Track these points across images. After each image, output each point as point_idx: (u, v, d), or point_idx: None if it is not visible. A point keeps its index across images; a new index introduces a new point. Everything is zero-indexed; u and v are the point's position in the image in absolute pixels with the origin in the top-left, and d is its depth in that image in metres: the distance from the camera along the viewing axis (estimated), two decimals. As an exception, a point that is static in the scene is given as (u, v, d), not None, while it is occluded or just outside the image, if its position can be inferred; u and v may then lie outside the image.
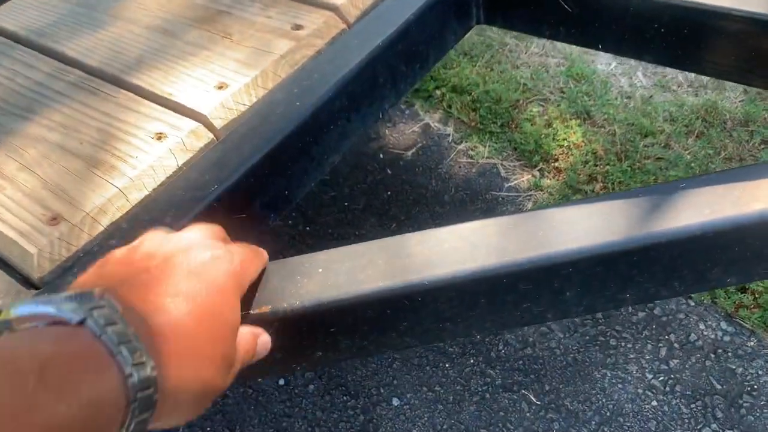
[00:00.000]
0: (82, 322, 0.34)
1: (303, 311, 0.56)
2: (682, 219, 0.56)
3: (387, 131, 1.97)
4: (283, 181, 0.75)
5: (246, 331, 0.50)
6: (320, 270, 0.58)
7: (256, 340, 0.51)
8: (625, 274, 0.59)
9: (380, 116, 0.87)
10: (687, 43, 0.81)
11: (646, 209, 0.58)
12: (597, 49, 0.89)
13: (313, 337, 0.60)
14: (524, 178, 1.76)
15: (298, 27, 0.85)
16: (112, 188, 0.68)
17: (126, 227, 0.68)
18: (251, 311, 0.56)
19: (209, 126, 0.74)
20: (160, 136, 0.73)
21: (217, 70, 0.80)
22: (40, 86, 0.82)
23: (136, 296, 0.39)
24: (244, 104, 0.77)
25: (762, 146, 1.76)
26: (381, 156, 1.90)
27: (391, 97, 0.88)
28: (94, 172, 0.70)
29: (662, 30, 0.81)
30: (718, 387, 1.30)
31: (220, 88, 0.77)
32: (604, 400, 1.30)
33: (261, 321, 0.56)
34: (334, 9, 0.87)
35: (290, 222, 1.75)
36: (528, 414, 1.30)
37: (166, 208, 0.67)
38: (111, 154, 0.72)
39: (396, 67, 0.86)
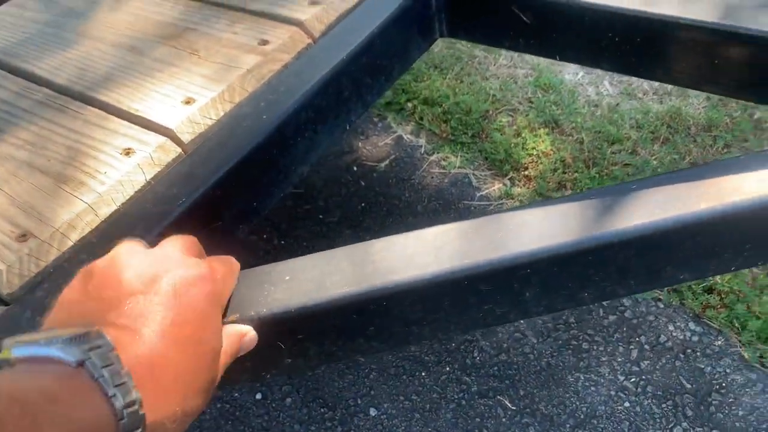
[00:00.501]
0: (81, 364, 0.36)
1: (271, 319, 0.57)
2: (633, 219, 0.58)
3: (360, 144, 1.99)
4: (252, 193, 0.76)
5: (231, 333, 0.52)
6: (287, 278, 0.59)
7: (240, 341, 0.53)
8: (581, 273, 0.61)
9: (347, 128, 0.89)
10: (641, 52, 0.84)
11: (600, 210, 0.60)
12: (555, 58, 0.92)
13: (285, 345, 0.61)
14: (495, 187, 1.79)
15: (264, 42, 0.86)
16: (81, 204, 0.68)
17: (95, 242, 0.68)
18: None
19: (177, 140, 0.75)
20: (128, 152, 0.74)
21: (184, 85, 0.82)
22: (7, 105, 0.83)
23: (127, 326, 0.41)
24: (211, 119, 0.78)
25: (725, 150, 1.81)
26: (355, 168, 1.92)
27: (357, 108, 0.90)
28: (63, 188, 0.70)
29: (617, 39, 0.84)
30: (688, 386, 1.33)
31: (187, 103, 0.79)
32: (577, 403, 1.32)
33: (229, 329, 0.57)
34: (299, 24, 0.89)
35: (265, 236, 1.75)
36: (504, 419, 1.32)
37: (135, 222, 0.68)
38: (79, 170, 0.72)
39: (361, 80, 0.88)
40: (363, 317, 0.60)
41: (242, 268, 0.62)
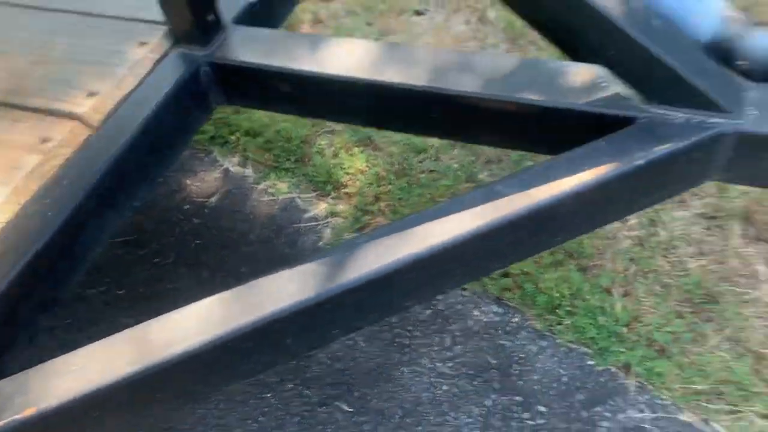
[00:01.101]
0: None
1: (67, 407, 0.68)
2: (360, 270, 0.74)
3: (189, 181, 2.07)
4: (46, 285, 0.84)
5: None
6: (75, 368, 0.70)
7: None
8: (327, 317, 0.76)
9: (136, 204, 0.99)
10: (379, 110, 1.01)
11: (332, 266, 0.75)
12: (314, 118, 1.08)
13: (83, 424, 0.71)
14: (321, 208, 1.94)
15: (45, 140, 0.94)
16: None
17: None
18: (17, 416, 0.66)
19: (-34, 249, 0.82)
20: None
21: (-31, 192, 0.88)
22: None
23: None
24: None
25: (515, 146, 2.07)
26: (186, 207, 1.99)
27: (144, 185, 1.00)
28: None
29: (358, 101, 1.01)
30: (494, 362, 1.55)
31: (-27, 210, 0.85)
32: (404, 395, 1.51)
33: (29, 423, 0.66)
34: (78, 117, 0.97)
35: (102, 288, 1.79)
36: (342, 422, 1.48)
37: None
38: None
39: (144, 160, 0.99)
40: (150, 389, 0.72)
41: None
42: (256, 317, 0.72)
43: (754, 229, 1.80)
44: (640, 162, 0.79)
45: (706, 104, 0.81)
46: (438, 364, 1.56)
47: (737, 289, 1.67)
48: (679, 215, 1.84)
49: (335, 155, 2.06)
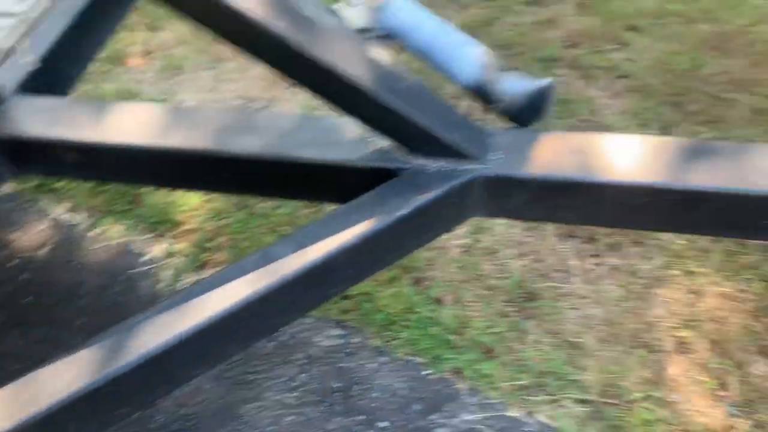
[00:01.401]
0: None
1: None
2: (139, 350, 0.77)
3: (14, 235, 1.97)
4: None
5: None
6: None
7: None
8: (110, 399, 0.78)
9: None
10: (164, 174, 1.03)
11: (110, 349, 0.77)
12: (108, 183, 1.08)
13: None
14: (158, 249, 1.92)
15: None
16: None
17: None
18: None
19: None
20: None
21: None
22: None
23: None
24: None
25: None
26: (13, 263, 1.89)
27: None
28: None
29: (146, 167, 1.02)
30: (336, 386, 1.62)
31: None
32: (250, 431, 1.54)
33: None
34: None
35: None
36: (190, 468, 1.48)
37: None
38: None
39: None
40: None
41: None
42: (33, 412, 0.72)
43: (566, 227, 1.99)
44: (402, 212, 0.87)
45: (456, 153, 0.91)
46: (283, 396, 1.60)
47: (554, 284, 1.84)
48: (502, 220, 1.99)
49: (170, 193, 2.03)
